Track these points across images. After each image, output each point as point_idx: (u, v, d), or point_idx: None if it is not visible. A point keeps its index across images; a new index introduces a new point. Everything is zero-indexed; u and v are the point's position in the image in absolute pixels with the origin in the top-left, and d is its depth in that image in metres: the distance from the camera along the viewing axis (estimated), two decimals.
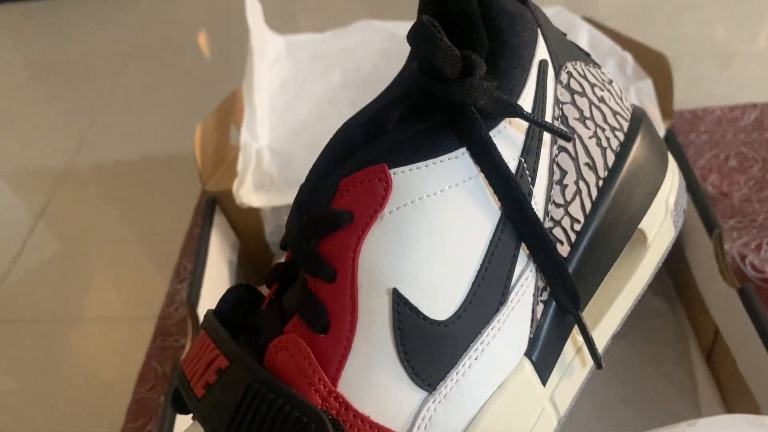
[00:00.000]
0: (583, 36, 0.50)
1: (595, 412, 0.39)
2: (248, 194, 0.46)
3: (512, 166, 0.23)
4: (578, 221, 0.25)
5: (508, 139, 0.24)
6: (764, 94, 0.62)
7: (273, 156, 0.47)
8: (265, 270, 0.51)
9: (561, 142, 0.25)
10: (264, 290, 0.26)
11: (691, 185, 0.41)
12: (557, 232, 0.25)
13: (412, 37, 0.22)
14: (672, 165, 0.30)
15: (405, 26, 0.55)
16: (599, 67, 0.28)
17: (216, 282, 0.44)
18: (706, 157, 0.56)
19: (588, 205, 0.25)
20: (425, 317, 0.22)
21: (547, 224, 0.24)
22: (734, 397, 0.38)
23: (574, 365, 0.26)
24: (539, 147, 0.24)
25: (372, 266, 0.22)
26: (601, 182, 0.26)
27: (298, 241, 0.23)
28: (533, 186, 0.24)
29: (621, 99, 0.28)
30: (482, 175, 0.23)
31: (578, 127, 0.25)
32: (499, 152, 0.23)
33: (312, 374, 0.22)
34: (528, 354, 0.24)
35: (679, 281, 0.46)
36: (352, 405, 0.21)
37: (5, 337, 0.57)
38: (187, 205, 0.63)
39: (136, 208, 0.68)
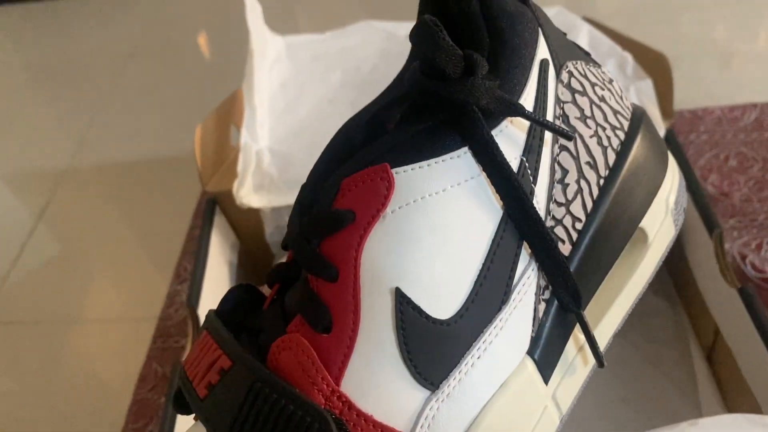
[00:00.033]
0: (583, 36, 0.50)
1: (595, 411, 0.39)
2: (248, 195, 0.46)
3: (514, 165, 0.23)
4: (580, 220, 0.25)
5: (509, 138, 0.24)
6: (764, 94, 0.62)
7: (273, 157, 0.47)
8: (265, 270, 0.51)
9: (562, 141, 0.25)
10: (265, 290, 0.26)
11: (692, 185, 0.41)
12: (559, 230, 0.25)
13: (415, 36, 0.22)
14: (672, 164, 0.30)
15: (405, 27, 0.55)
16: (599, 66, 0.28)
17: (216, 283, 0.44)
18: (706, 157, 0.57)
19: (589, 204, 0.25)
20: (428, 316, 0.22)
21: (549, 223, 0.24)
22: (735, 397, 0.38)
23: (575, 364, 0.26)
24: (541, 146, 0.24)
25: (374, 266, 0.22)
26: (602, 181, 0.26)
27: (300, 241, 0.23)
28: (535, 185, 0.24)
29: (621, 98, 0.28)
30: (484, 174, 0.23)
31: (579, 126, 0.26)
32: (501, 151, 0.23)
33: (315, 374, 0.22)
34: (530, 353, 0.24)
35: (680, 281, 0.46)
36: (355, 404, 0.21)
37: (5, 339, 0.57)
38: (187, 206, 0.63)
39: (136, 208, 0.68)
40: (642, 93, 0.46)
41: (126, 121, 0.81)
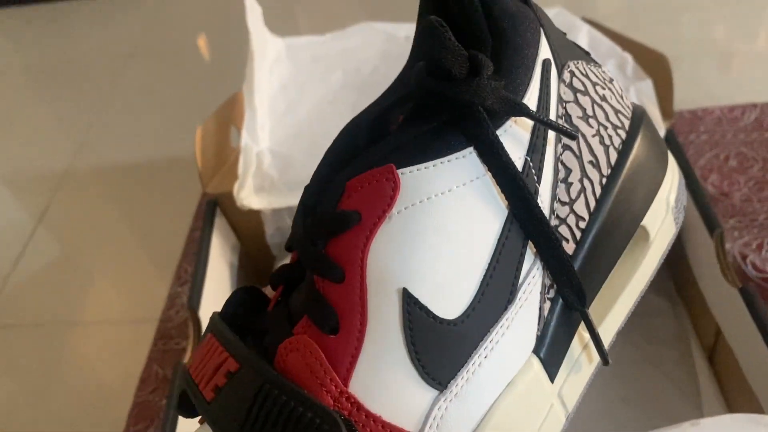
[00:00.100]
0: (583, 37, 0.50)
1: (596, 412, 0.39)
2: (249, 196, 0.46)
3: (518, 164, 0.23)
4: (583, 219, 0.25)
5: (514, 138, 0.24)
6: (764, 94, 0.62)
7: (273, 158, 0.47)
8: (266, 272, 0.52)
9: (565, 140, 0.25)
10: (268, 292, 0.26)
11: (692, 185, 0.41)
12: (563, 229, 0.25)
13: (420, 37, 0.22)
14: (671, 162, 0.30)
15: (405, 28, 0.55)
16: (599, 65, 0.29)
17: (217, 284, 0.44)
18: (706, 157, 0.57)
19: (592, 203, 0.26)
20: (435, 316, 0.22)
21: (553, 222, 0.25)
22: (736, 397, 0.38)
23: (581, 361, 0.26)
24: (544, 145, 0.24)
25: (381, 266, 0.22)
26: (604, 180, 0.26)
27: (305, 243, 0.23)
28: (539, 184, 0.24)
29: (622, 97, 0.28)
30: (489, 174, 0.23)
31: (581, 125, 0.26)
32: (506, 151, 0.23)
33: (323, 375, 0.22)
34: (536, 351, 0.24)
35: (681, 281, 0.46)
36: (363, 405, 0.21)
37: (6, 341, 0.57)
38: (188, 208, 0.63)
39: (136, 210, 0.68)
40: (642, 93, 0.46)
41: (126, 123, 0.81)
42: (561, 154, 0.25)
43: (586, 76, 0.27)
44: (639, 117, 0.28)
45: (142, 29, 1.00)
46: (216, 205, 0.48)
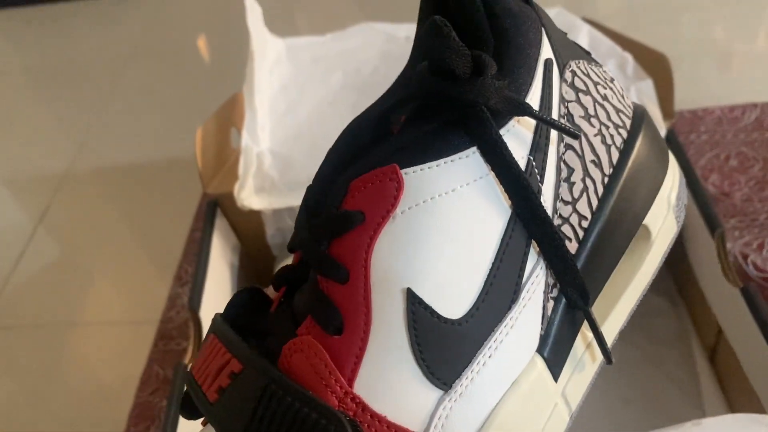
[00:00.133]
0: (583, 37, 0.50)
1: (596, 412, 0.39)
2: (249, 197, 0.46)
3: (522, 164, 0.23)
4: (585, 218, 0.25)
5: (517, 137, 0.24)
6: (764, 94, 0.62)
7: (274, 159, 0.47)
8: (267, 272, 0.52)
9: (567, 140, 0.25)
10: (270, 293, 0.26)
11: (693, 185, 0.41)
12: (566, 229, 0.25)
13: (423, 36, 0.22)
14: (672, 161, 0.30)
15: (405, 28, 0.55)
16: (600, 65, 0.29)
17: (217, 285, 0.44)
18: (706, 157, 0.57)
19: (594, 202, 0.26)
20: (439, 316, 0.22)
21: (556, 222, 0.25)
22: (737, 397, 0.38)
23: (584, 360, 0.26)
24: (547, 145, 0.24)
25: (385, 266, 0.22)
26: (606, 179, 0.26)
27: (309, 243, 0.23)
28: (542, 184, 0.24)
29: (623, 97, 0.28)
30: (492, 174, 0.23)
31: (584, 124, 0.26)
32: (509, 151, 0.23)
33: (328, 376, 0.21)
34: (540, 350, 0.24)
35: (682, 281, 0.46)
36: (368, 405, 0.21)
37: (6, 342, 0.57)
38: (188, 208, 0.63)
39: (136, 211, 0.68)
40: (642, 93, 0.46)
41: (126, 123, 0.81)
42: (563, 154, 0.25)
43: (588, 75, 0.27)
44: (640, 116, 0.28)
45: (142, 29, 1.00)
46: (216, 206, 0.48)
